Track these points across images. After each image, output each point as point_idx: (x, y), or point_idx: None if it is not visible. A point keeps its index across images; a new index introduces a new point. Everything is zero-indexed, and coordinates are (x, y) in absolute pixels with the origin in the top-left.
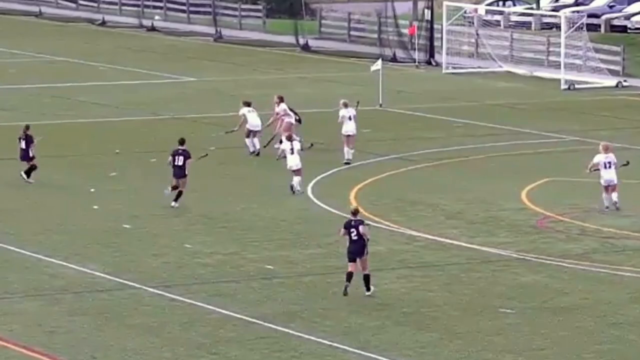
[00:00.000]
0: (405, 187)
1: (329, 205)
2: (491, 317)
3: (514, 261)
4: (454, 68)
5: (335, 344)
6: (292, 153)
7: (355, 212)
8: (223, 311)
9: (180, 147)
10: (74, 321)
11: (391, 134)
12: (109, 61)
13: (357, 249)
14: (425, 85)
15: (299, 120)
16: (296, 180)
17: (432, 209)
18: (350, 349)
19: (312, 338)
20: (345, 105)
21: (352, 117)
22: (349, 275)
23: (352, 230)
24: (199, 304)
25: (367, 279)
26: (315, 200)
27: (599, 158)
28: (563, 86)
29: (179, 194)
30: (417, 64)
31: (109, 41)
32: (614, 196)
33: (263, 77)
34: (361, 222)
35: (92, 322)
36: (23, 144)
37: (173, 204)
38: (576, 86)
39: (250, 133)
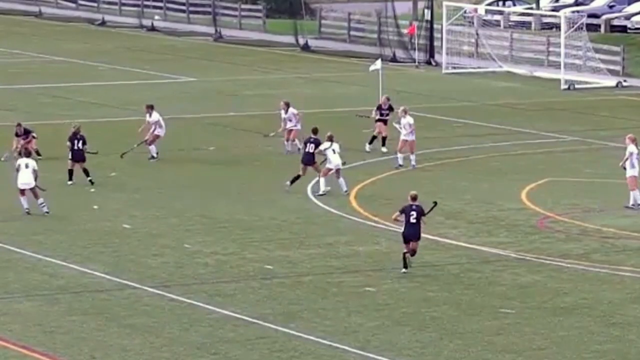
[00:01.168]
0: (405, 187)
1: (328, 205)
2: (491, 317)
3: (513, 261)
4: (454, 68)
5: (335, 344)
6: (334, 153)
7: (414, 198)
8: (223, 311)
9: (312, 136)
10: (73, 321)
11: (391, 134)
12: (108, 61)
13: (415, 232)
14: (425, 85)
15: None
16: (342, 181)
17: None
18: (350, 349)
19: (312, 338)
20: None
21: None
22: (413, 253)
23: (412, 213)
24: (198, 304)
25: (411, 256)
26: (315, 201)
27: (632, 149)
28: (563, 86)
29: (297, 177)
30: (417, 64)
31: (108, 41)
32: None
33: (263, 77)
34: (421, 208)
35: (92, 322)
36: (79, 145)
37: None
38: (576, 86)
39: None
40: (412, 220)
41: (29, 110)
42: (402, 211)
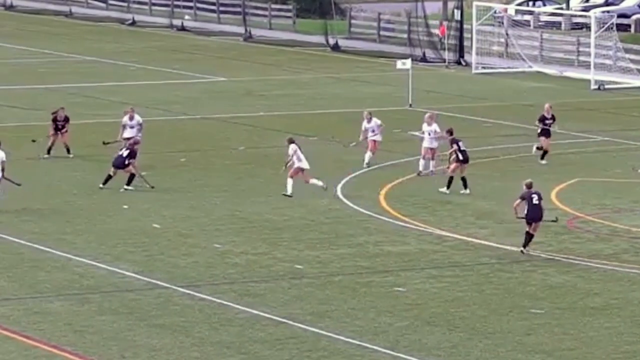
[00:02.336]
0: (435, 187)
1: (358, 205)
2: (521, 317)
3: (543, 261)
4: (484, 68)
5: (364, 344)
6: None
7: (530, 185)
8: (252, 311)
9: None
10: (103, 321)
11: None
12: (139, 61)
13: (537, 212)
14: (455, 85)
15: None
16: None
17: (462, 209)
18: (380, 349)
19: (342, 338)
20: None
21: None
22: (529, 236)
23: (534, 195)
24: (228, 303)
25: (530, 238)
26: (345, 200)
27: None
28: (593, 86)
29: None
30: (446, 64)
31: (139, 41)
32: None
33: (292, 77)
34: (539, 192)
35: (122, 322)
36: (124, 152)
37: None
38: (606, 86)
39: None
40: (535, 202)
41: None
42: (522, 198)
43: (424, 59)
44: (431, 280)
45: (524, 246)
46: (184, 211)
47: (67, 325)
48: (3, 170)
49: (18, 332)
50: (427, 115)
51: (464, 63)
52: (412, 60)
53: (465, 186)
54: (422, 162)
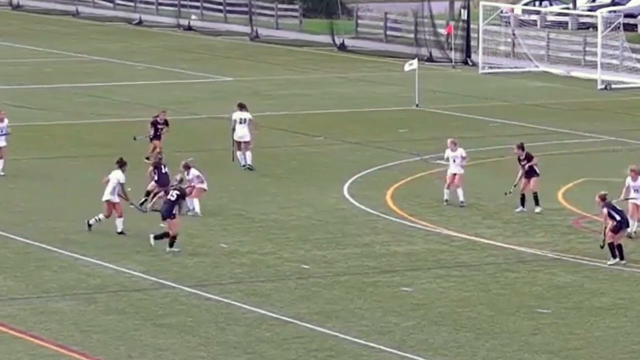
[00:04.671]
0: (442, 187)
1: (365, 205)
2: (527, 317)
3: (550, 261)
4: (491, 68)
5: (371, 344)
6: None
7: (604, 198)
8: (259, 311)
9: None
10: (110, 320)
11: (427, 134)
12: (145, 61)
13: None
14: (462, 85)
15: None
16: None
17: (469, 209)
18: (386, 349)
19: (348, 337)
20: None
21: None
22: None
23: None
24: (235, 303)
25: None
26: (352, 200)
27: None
28: (600, 86)
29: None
30: (453, 63)
31: (145, 41)
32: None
33: (299, 77)
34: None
35: (128, 321)
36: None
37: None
38: (613, 86)
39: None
40: (619, 207)
41: (66, 110)
42: (608, 210)
43: (430, 59)
44: (438, 280)
45: (622, 257)
46: (190, 211)
47: (74, 325)
48: (123, 193)
49: (25, 331)
50: (449, 140)
51: (470, 63)
52: (419, 60)
53: (534, 202)
54: (446, 191)
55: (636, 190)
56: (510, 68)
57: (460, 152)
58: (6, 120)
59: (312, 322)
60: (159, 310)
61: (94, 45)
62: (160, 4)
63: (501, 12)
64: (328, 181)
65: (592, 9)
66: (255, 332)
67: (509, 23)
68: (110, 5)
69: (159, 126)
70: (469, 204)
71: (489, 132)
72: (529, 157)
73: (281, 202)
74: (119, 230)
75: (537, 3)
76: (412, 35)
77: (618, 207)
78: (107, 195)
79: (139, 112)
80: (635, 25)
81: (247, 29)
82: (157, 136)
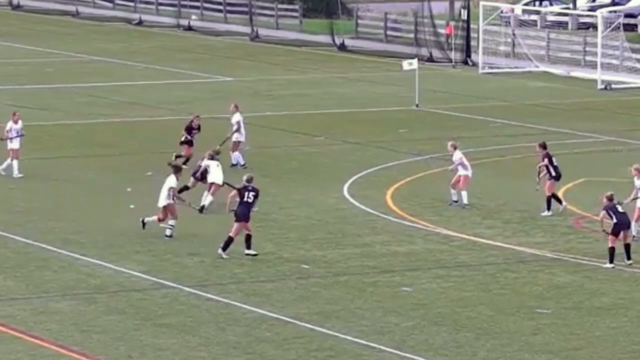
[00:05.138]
0: (442, 187)
1: (365, 205)
2: (527, 317)
3: (550, 261)
4: (491, 68)
5: (371, 344)
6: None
7: (611, 198)
8: (259, 311)
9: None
10: (110, 320)
11: (427, 134)
12: (145, 61)
13: (627, 219)
14: (462, 85)
15: None
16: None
17: (468, 209)
18: (386, 349)
19: (348, 337)
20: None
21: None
22: (627, 246)
23: (617, 206)
24: (235, 303)
25: (628, 248)
26: (352, 200)
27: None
28: (600, 86)
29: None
30: (453, 64)
31: (145, 41)
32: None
33: (299, 77)
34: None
35: (128, 322)
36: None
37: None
38: (613, 86)
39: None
40: (620, 210)
41: (66, 110)
42: (606, 210)
43: (430, 59)
44: (438, 280)
45: (629, 258)
46: (190, 211)
47: (74, 325)
48: (174, 196)
49: (25, 331)
50: (449, 144)
51: (470, 63)
52: (419, 60)
53: (558, 201)
54: (452, 192)
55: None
56: (511, 68)
57: (457, 155)
58: (20, 122)
59: (312, 322)
60: (159, 311)
61: (93, 46)
62: (160, 4)
63: (501, 12)
64: (328, 181)
65: (592, 9)
66: (255, 332)
67: (509, 23)
68: (110, 5)
69: (193, 131)
70: (468, 204)
71: (488, 132)
72: (548, 156)
73: (281, 202)
74: (168, 234)
75: (537, 3)
76: (412, 36)
77: (620, 209)
78: (162, 201)
79: (138, 112)
80: (636, 25)
81: (247, 29)
82: (189, 141)
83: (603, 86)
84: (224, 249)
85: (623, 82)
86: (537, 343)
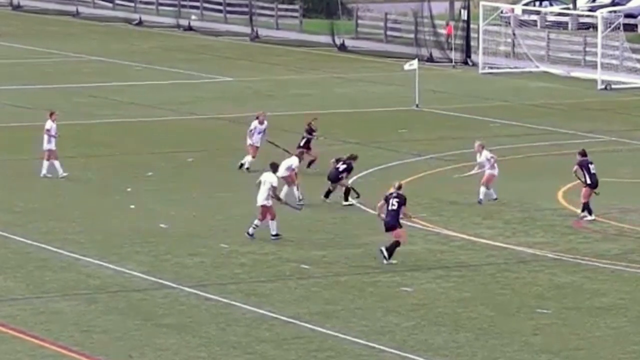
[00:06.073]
0: (442, 187)
1: (365, 205)
2: (527, 317)
3: (550, 261)
4: (491, 68)
5: (371, 344)
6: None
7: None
8: (259, 311)
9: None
10: (110, 320)
11: (427, 134)
12: (145, 61)
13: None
14: (462, 85)
15: None
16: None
17: (468, 209)
18: (387, 349)
19: (348, 338)
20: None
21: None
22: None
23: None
24: (235, 303)
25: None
26: (352, 200)
27: None
28: (600, 86)
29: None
30: (453, 64)
31: (145, 41)
32: None
33: (299, 77)
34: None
35: (129, 322)
36: (341, 167)
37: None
38: (613, 86)
39: None
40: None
41: (66, 110)
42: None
43: (430, 59)
44: (438, 280)
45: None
46: (191, 211)
47: (74, 325)
48: (275, 195)
49: (25, 332)
50: (477, 144)
51: (470, 63)
52: (419, 60)
53: (588, 211)
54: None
55: None
56: (510, 68)
57: (485, 154)
58: (55, 124)
59: (312, 322)
60: (159, 311)
61: (93, 46)
62: (160, 4)
63: (501, 12)
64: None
65: (592, 9)
66: (255, 332)
67: (509, 23)
68: (110, 5)
69: (314, 133)
70: (469, 204)
71: (489, 132)
72: (585, 163)
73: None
74: (274, 232)
75: (537, 3)
76: (412, 36)
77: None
78: (261, 201)
79: (138, 112)
80: (635, 26)
81: (247, 29)
82: (307, 145)
83: (603, 86)
84: (390, 255)
85: (623, 82)
86: (537, 343)
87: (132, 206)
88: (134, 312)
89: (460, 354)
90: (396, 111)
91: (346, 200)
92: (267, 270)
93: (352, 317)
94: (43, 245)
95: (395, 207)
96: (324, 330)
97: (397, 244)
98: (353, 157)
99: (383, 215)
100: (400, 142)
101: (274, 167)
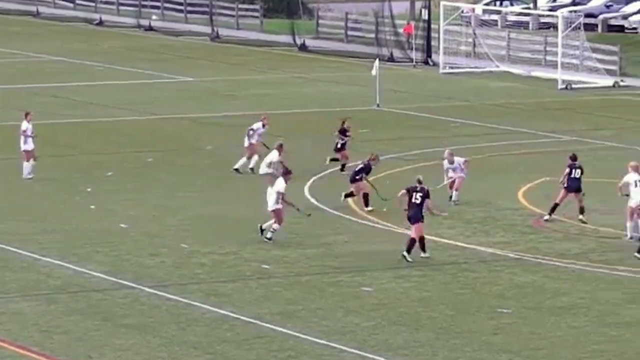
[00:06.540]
0: (403, 187)
1: (325, 205)
2: (488, 317)
3: (511, 261)
4: (451, 68)
5: (332, 344)
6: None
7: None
8: (220, 311)
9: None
10: (70, 321)
11: (388, 134)
12: (106, 61)
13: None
14: (423, 85)
15: None
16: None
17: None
18: (347, 349)
19: (309, 337)
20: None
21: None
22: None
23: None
24: (195, 303)
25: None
26: (312, 200)
27: (631, 177)
28: (560, 86)
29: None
30: (414, 63)
31: (106, 41)
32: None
33: (260, 77)
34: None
35: (89, 322)
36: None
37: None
38: (573, 86)
39: None
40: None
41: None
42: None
43: (391, 59)
44: (398, 280)
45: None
46: (151, 211)
47: (34, 326)
48: (284, 200)
49: None
50: (447, 152)
51: (431, 63)
52: (380, 60)
53: (550, 210)
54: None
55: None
56: (471, 68)
57: (458, 160)
58: (31, 124)
59: (273, 322)
60: (120, 311)
61: (54, 46)
62: (121, 5)
63: (462, 12)
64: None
65: (552, 9)
66: (216, 333)
67: (470, 23)
68: (71, 5)
69: (348, 134)
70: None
71: (449, 132)
72: (570, 167)
73: (242, 202)
74: (269, 236)
75: (497, 3)
76: (372, 35)
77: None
78: (272, 206)
79: (99, 112)
80: (596, 25)
81: (208, 29)
82: (343, 148)
83: (564, 86)
84: (408, 251)
85: (583, 82)
86: (498, 343)
87: (93, 206)
88: (94, 312)
89: (421, 354)
90: (357, 111)
91: (366, 205)
92: (228, 270)
93: (313, 317)
94: (2, 246)
95: (419, 202)
96: (285, 331)
97: (419, 240)
98: (373, 158)
99: (404, 207)
100: (361, 143)
101: (285, 173)
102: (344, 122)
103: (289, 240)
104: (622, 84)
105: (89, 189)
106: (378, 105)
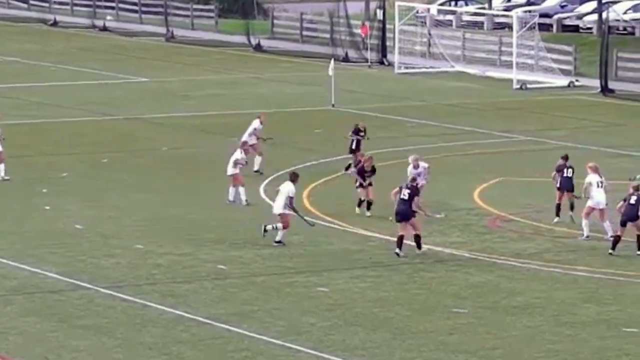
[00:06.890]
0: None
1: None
2: (444, 317)
3: (466, 261)
4: (407, 68)
5: (288, 344)
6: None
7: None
8: (176, 312)
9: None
10: (26, 322)
11: (343, 134)
12: (60, 61)
13: (633, 212)
14: (378, 85)
15: None
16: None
17: (385, 209)
18: (303, 349)
19: (265, 338)
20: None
21: None
22: (618, 239)
23: (632, 197)
24: (151, 304)
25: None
26: (268, 201)
27: (592, 178)
28: (515, 86)
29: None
30: (369, 63)
31: (60, 41)
32: (606, 225)
33: (215, 77)
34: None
35: (45, 323)
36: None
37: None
38: (528, 86)
39: None
40: (632, 202)
41: None
42: (624, 199)
43: (346, 59)
44: (354, 280)
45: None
46: (106, 212)
47: None
48: (291, 206)
49: None
50: (412, 158)
51: (386, 63)
52: (335, 60)
53: (555, 212)
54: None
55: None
56: (427, 68)
57: (423, 165)
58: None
59: (228, 322)
60: (76, 312)
61: (8, 46)
62: (75, 5)
63: (417, 12)
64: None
65: (507, 9)
66: (172, 333)
67: (425, 23)
68: (25, 6)
69: (361, 134)
70: (384, 204)
71: (405, 132)
72: (561, 167)
73: (197, 203)
74: (278, 239)
75: (452, 3)
76: (328, 36)
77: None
78: (278, 209)
79: (53, 112)
80: (551, 25)
81: (163, 30)
82: (358, 147)
83: (518, 86)
84: (399, 247)
85: (538, 82)
86: (454, 342)
87: (47, 207)
88: (50, 314)
89: (377, 354)
90: (312, 111)
91: (359, 206)
92: (184, 271)
93: (269, 317)
94: None
95: (406, 198)
96: (241, 331)
97: (414, 238)
98: (366, 160)
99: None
100: (316, 142)
101: (294, 177)
102: (358, 124)
103: (245, 240)
104: (577, 84)
105: (44, 190)
106: (333, 106)
